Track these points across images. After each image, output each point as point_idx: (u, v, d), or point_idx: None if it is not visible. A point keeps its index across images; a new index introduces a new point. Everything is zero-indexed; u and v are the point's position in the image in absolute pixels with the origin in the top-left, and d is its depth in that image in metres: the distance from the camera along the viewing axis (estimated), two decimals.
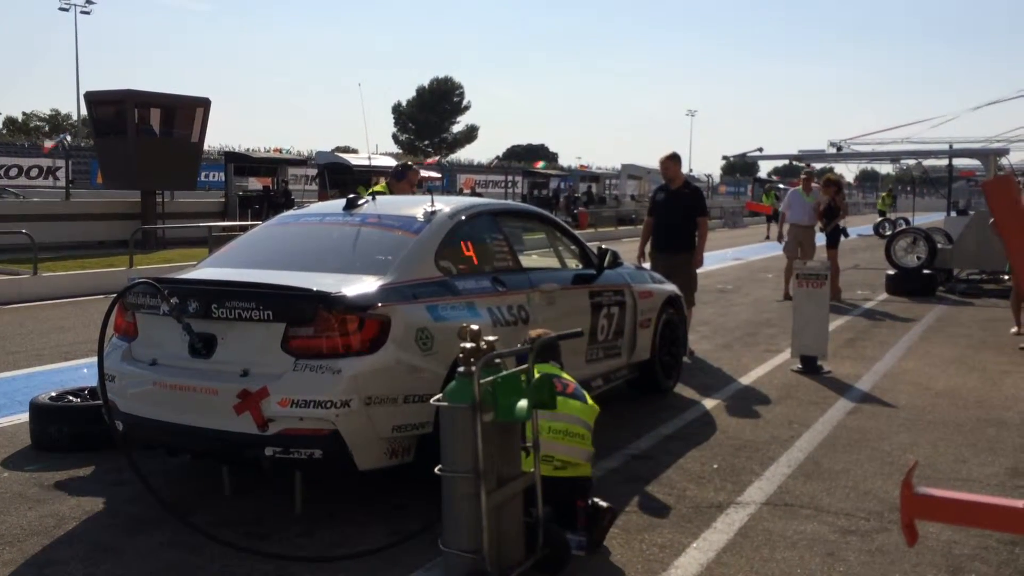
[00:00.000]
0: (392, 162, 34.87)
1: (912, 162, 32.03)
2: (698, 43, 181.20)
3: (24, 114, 67.49)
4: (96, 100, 22.32)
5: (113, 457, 5.15)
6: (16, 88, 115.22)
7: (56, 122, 65.15)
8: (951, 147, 25.87)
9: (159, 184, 22.18)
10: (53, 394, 5.65)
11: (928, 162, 32.17)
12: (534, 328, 4.60)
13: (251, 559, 3.83)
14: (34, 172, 34.11)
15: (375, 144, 74.48)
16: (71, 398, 5.60)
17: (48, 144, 33.17)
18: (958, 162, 26.11)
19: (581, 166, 57.11)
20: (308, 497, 4.43)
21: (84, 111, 30.47)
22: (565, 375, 4.27)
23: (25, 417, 5.62)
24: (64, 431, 5.34)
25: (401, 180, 7.95)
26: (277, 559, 3.83)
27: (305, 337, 4.04)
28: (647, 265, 8.33)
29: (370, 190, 6.28)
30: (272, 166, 30.35)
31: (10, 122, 64.95)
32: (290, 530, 4.20)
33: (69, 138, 34.79)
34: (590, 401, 4.22)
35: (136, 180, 21.54)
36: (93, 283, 12.73)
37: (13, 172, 33.67)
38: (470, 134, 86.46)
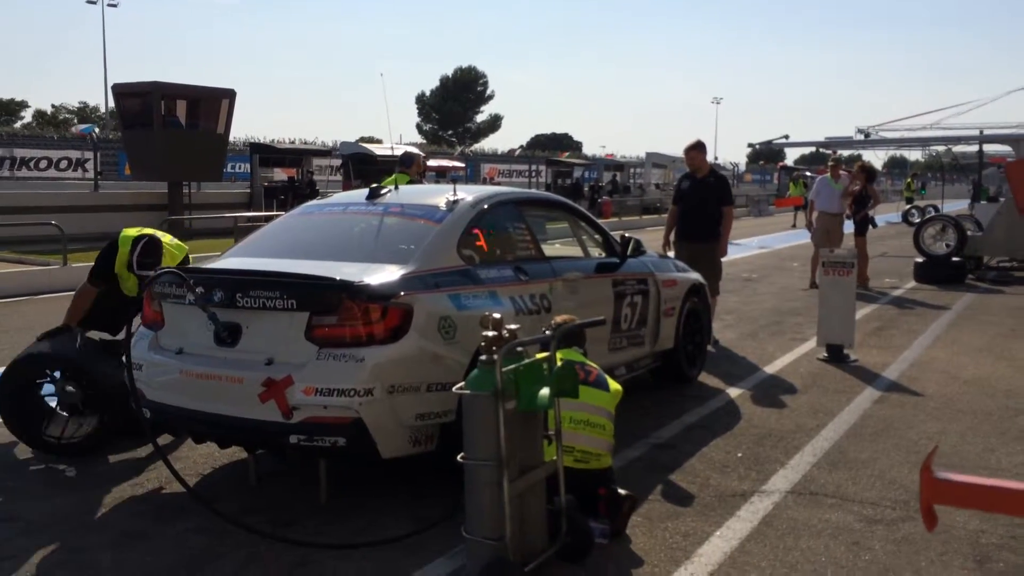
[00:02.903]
0: (416, 151, 35.00)
1: (942, 148, 31.61)
2: (724, 30, 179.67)
3: (53, 107, 68.49)
4: (123, 92, 22.54)
5: (141, 445, 5.23)
6: (45, 81, 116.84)
7: (84, 114, 65.94)
8: (982, 133, 25.50)
9: (185, 175, 22.38)
10: None
11: (958, 148, 31.73)
12: (558, 315, 4.59)
13: (276, 546, 3.87)
14: (63, 164, 34.50)
15: (399, 134, 74.68)
16: None
17: (77, 128, 33.48)
18: (989, 148, 25.72)
19: (607, 155, 56.86)
20: (332, 486, 4.46)
21: (112, 103, 30.79)
22: (589, 362, 4.26)
23: None
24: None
25: (409, 166, 8.72)
26: (302, 546, 3.86)
27: (329, 326, 4.06)
28: (671, 254, 8.29)
29: (384, 181, 6.37)
30: (297, 157, 30.53)
31: (39, 115, 65.81)
32: (315, 518, 4.24)
33: (97, 130, 35.14)
34: (613, 385, 4.20)
35: (163, 172, 21.75)
36: None
37: (43, 164, 34.09)
38: (494, 123, 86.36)
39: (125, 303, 5.57)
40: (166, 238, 5.63)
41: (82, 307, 5.60)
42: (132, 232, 5.46)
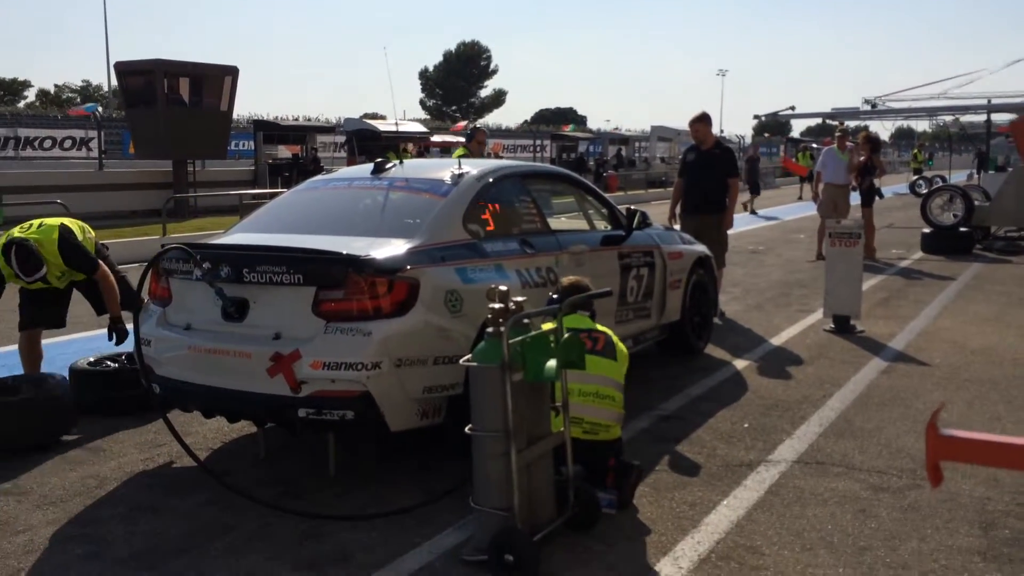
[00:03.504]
0: (420, 128, 34.93)
1: (949, 118, 31.38)
2: (729, 1, 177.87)
3: (56, 86, 68.21)
4: (126, 70, 22.49)
5: (151, 420, 5.27)
6: (48, 60, 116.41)
7: (87, 93, 65.75)
8: (989, 102, 25.30)
9: (190, 153, 22.37)
10: (91, 359, 5.78)
11: (965, 118, 31.51)
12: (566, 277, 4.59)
13: (287, 517, 3.91)
14: (67, 143, 34.43)
15: (403, 110, 74.43)
16: (109, 363, 5.73)
17: (76, 109, 33.39)
18: (996, 118, 25.53)
19: (612, 129, 56.58)
20: (341, 459, 4.50)
21: (115, 82, 30.68)
22: (597, 326, 4.25)
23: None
24: (103, 395, 5.47)
25: (471, 141, 9.39)
26: (312, 518, 3.90)
27: (335, 300, 4.07)
28: (677, 226, 8.27)
29: (457, 154, 6.71)
30: (301, 134, 30.47)
31: (43, 94, 65.65)
32: (324, 491, 4.27)
33: (100, 109, 35.06)
34: (620, 349, 4.20)
35: (167, 150, 21.74)
36: (127, 252, 12.88)
37: (47, 143, 34.05)
38: (498, 98, 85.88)
39: (59, 294, 5.69)
40: (48, 221, 5.58)
41: None
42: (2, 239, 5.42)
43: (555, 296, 4.28)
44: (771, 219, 20.94)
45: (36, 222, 5.60)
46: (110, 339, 5.64)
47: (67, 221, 5.73)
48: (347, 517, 3.92)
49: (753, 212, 22.28)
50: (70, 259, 5.50)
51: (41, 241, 5.39)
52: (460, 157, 6.15)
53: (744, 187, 22.79)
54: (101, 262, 5.70)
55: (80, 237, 5.66)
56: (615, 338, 4.24)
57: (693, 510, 3.98)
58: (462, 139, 39.91)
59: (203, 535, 3.80)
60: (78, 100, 59.84)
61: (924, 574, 3.37)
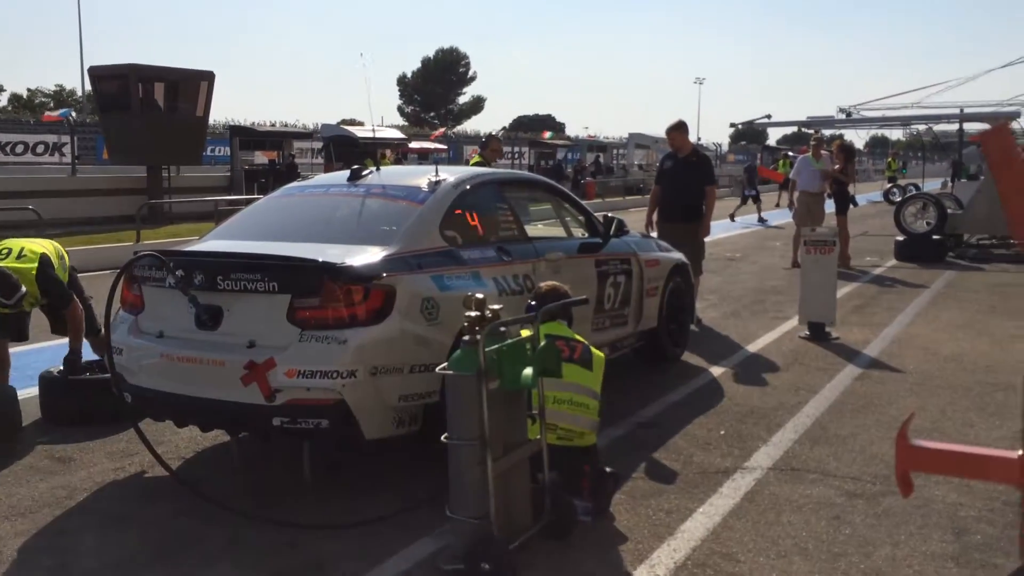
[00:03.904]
0: (398, 134, 34.85)
1: (922, 127, 31.77)
2: (706, 9, 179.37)
3: (29, 90, 67.38)
4: (100, 75, 22.24)
5: (122, 429, 5.20)
6: (21, 64, 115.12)
7: (61, 98, 65.04)
8: (962, 111, 25.64)
9: (164, 159, 22.14)
10: (62, 367, 5.70)
11: (939, 127, 31.90)
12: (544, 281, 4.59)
13: (262, 528, 3.87)
14: (40, 148, 34.00)
15: (380, 116, 74.02)
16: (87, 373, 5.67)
17: (50, 114, 32.99)
18: (969, 126, 25.85)
19: (589, 136, 56.75)
20: (317, 468, 4.46)
21: (89, 86, 30.38)
22: (574, 335, 4.25)
23: (35, 391, 5.67)
24: (73, 405, 5.40)
25: (486, 149, 9.43)
26: (287, 526, 3.86)
27: (311, 308, 4.04)
28: (654, 234, 8.30)
29: (473, 162, 6.77)
30: (277, 140, 30.28)
31: (15, 98, 64.87)
32: (300, 500, 4.23)
33: (74, 114, 34.67)
34: (597, 355, 4.20)
35: (141, 155, 21.50)
36: (101, 258, 12.74)
37: (19, 148, 33.63)
38: (476, 105, 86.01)
39: (23, 313, 5.71)
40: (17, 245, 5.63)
41: None
42: None
43: (533, 303, 4.28)
44: (747, 227, 21.07)
45: (16, 248, 5.62)
46: (63, 367, 5.64)
47: (45, 246, 5.77)
48: (323, 526, 3.88)
49: (762, 220, 22.31)
50: (47, 292, 5.59)
51: (20, 271, 5.41)
52: (475, 164, 6.24)
53: (749, 192, 22.98)
54: (74, 296, 5.73)
55: (56, 264, 5.70)
56: (592, 348, 4.24)
57: (669, 517, 3.98)
58: (441, 145, 39.86)
59: (176, 546, 3.75)
60: (51, 105, 59.16)
61: None
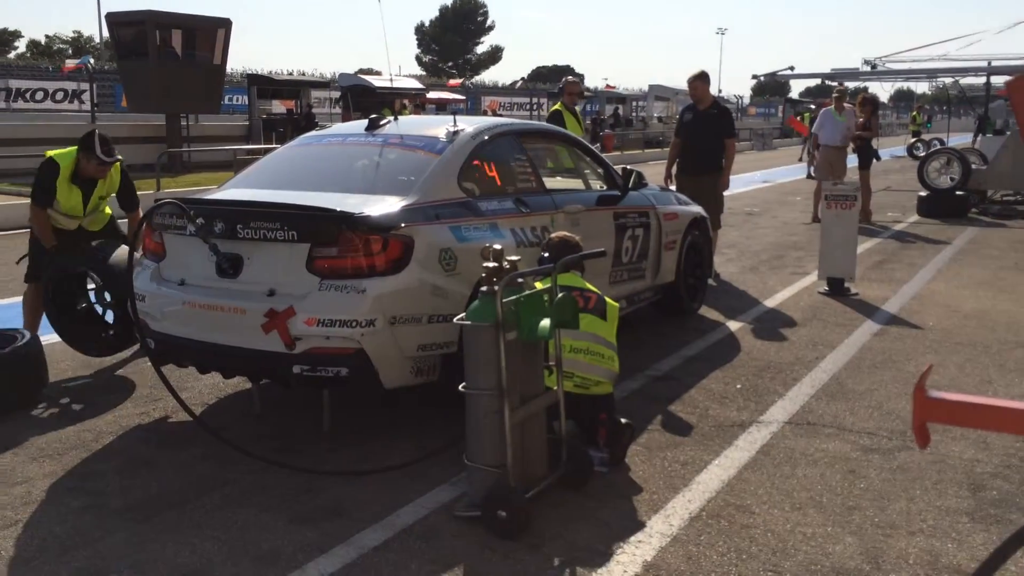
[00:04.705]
0: (416, 84, 34.57)
1: (949, 80, 31.16)
2: None
3: (47, 37, 67.24)
4: (117, 22, 22.10)
5: (147, 375, 5.28)
6: (39, 10, 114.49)
7: (79, 44, 64.84)
8: (990, 64, 25.12)
9: (183, 107, 22.10)
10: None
11: (965, 81, 31.29)
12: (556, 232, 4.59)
13: (281, 473, 3.94)
14: (59, 95, 34.06)
15: (398, 66, 73.49)
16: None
17: (69, 64, 32.92)
18: (996, 80, 25.34)
19: (608, 87, 56.04)
20: (336, 416, 4.52)
21: (107, 33, 30.23)
22: (588, 285, 4.25)
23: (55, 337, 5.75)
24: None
25: (563, 95, 9.08)
26: (306, 472, 3.93)
27: (329, 257, 4.06)
28: (673, 187, 8.24)
29: (552, 109, 6.73)
30: (295, 89, 30.10)
31: (33, 45, 64.74)
32: (319, 447, 4.30)
33: (92, 61, 34.50)
34: (611, 304, 4.20)
35: (160, 103, 21.47)
36: None
37: (39, 95, 33.67)
38: (494, 55, 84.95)
39: (74, 235, 5.79)
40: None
41: (48, 226, 5.65)
42: (59, 150, 5.56)
43: (546, 254, 4.27)
44: (767, 181, 20.87)
45: None
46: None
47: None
48: (342, 473, 3.95)
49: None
50: (126, 186, 5.85)
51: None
52: (556, 111, 7.17)
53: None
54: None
55: None
56: (607, 298, 4.24)
57: (685, 469, 4.02)
58: (459, 96, 39.54)
59: (198, 489, 3.82)
60: (69, 51, 59.00)
61: (912, 534, 3.41)
